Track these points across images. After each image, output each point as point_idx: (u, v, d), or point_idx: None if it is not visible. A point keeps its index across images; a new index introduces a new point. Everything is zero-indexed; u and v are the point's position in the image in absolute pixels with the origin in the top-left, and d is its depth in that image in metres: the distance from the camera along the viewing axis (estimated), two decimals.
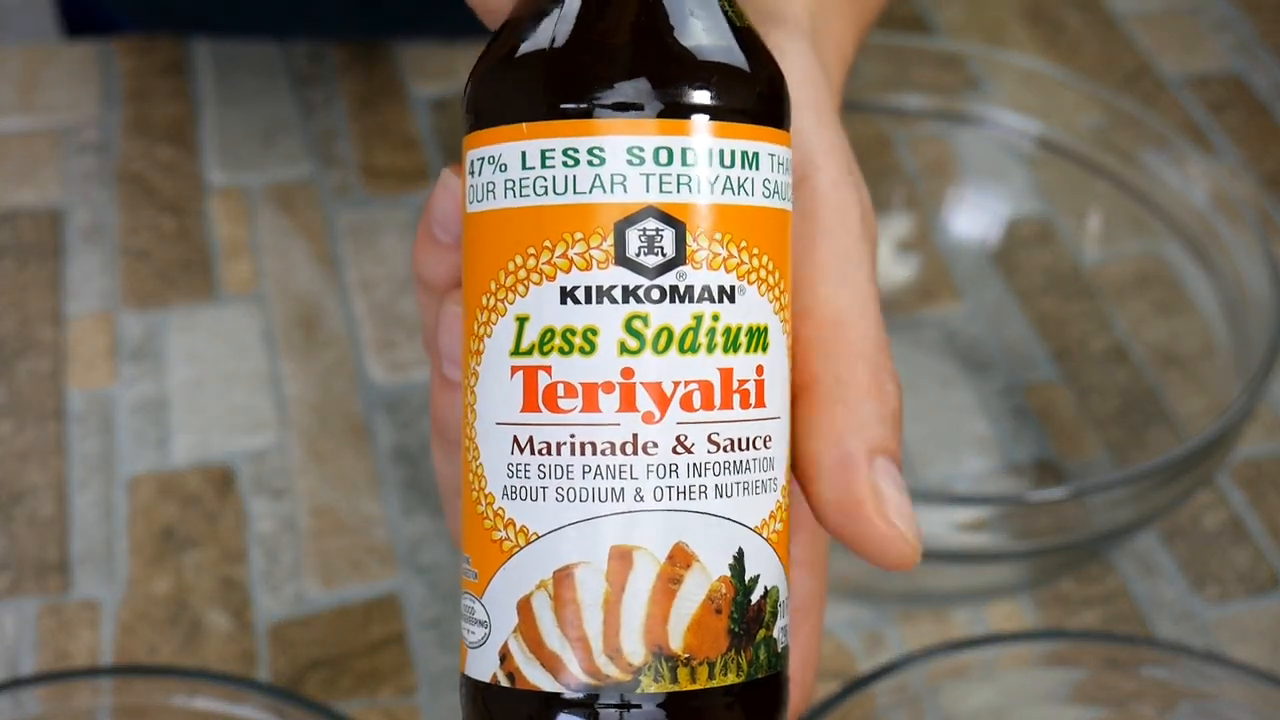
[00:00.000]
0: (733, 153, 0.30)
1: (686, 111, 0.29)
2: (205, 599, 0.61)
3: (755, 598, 0.30)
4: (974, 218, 0.72)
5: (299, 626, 0.60)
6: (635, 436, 0.29)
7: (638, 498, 0.29)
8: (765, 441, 0.31)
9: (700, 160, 0.29)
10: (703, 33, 0.30)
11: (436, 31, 0.83)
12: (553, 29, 0.29)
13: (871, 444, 0.33)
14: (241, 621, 0.60)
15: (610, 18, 0.29)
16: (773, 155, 0.31)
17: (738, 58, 0.30)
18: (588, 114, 0.29)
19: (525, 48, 0.30)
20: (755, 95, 0.31)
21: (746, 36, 0.31)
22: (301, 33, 0.83)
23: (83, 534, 0.63)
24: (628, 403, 0.29)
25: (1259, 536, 0.65)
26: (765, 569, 0.31)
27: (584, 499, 0.29)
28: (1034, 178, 0.71)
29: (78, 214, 0.74)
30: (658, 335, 0.29)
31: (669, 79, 0.29)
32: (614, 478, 0.29)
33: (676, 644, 0.29)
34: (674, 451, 0.29)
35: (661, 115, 0.29)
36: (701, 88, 0.29)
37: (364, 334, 0.70)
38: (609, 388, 0.29)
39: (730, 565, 0.29)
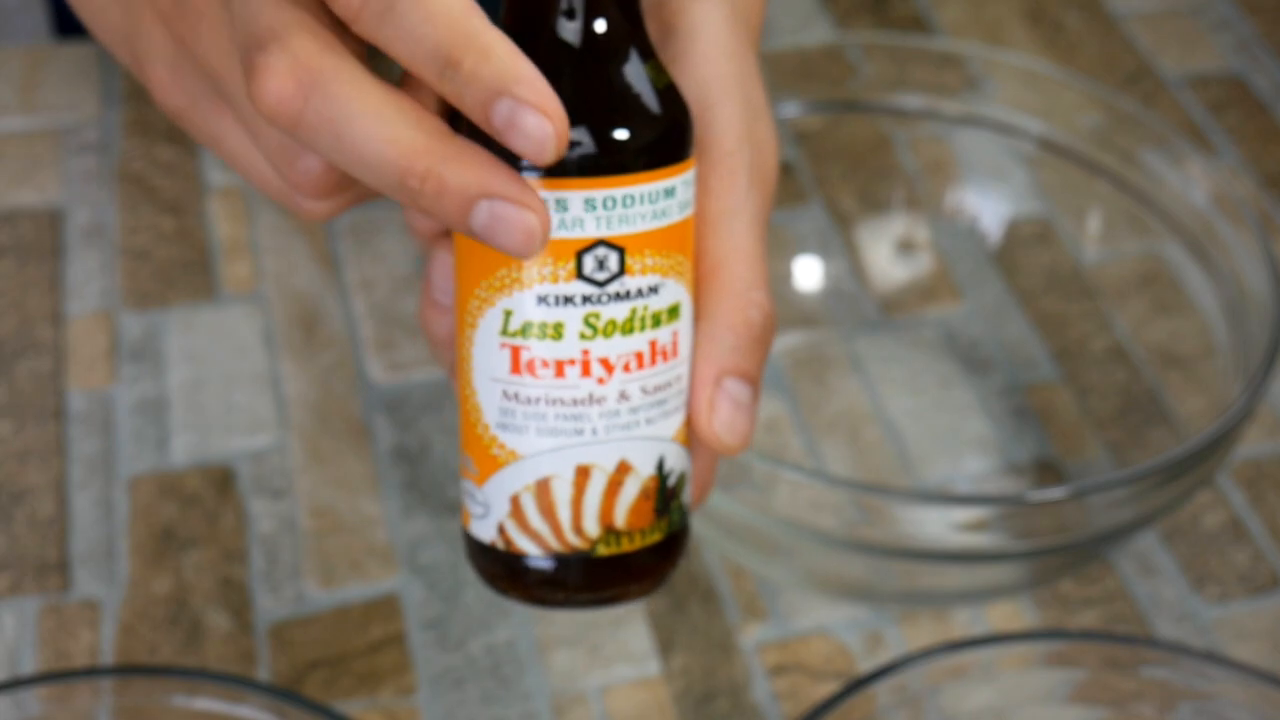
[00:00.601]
0: (656, 192, 0.40)
1: (624, 170, 0.40)
2: (205, 599, 0.61)
3: (671, 483, 0.43)
4: (974, 218, 0.72)
5: (299, 626, 0.60)
6: (591, 394, 0.41)
7: (593, 433, 0.41)
8: (678, 379, 0.43)
9: (635, 203, 0.40)
10: (635, 108, 0.40)
11: None
12: None
13: (722, 368, 0.42)
14: (241, 621, 0.60)
15: (567, 103, 0.38)
16: (684, 181, 0.41)
17: (660, 123, 0.40)
18: (555, 174, 0.39)
19: None
20: (673, 147, 0.41)
21: (665, 96, 0.41)
22: None
23: (83, 534, 0.63)
24: (586, 372, 0.41)
25: (1259, 537, 0.65)
26: (676, 461, 0.43)
27: (556, 434, 0.41)
28: (1034, 178, 0.71)
29: (78, 214, 0.75)
30: (607, 326, 0.41)
31: (613, 151, 0.39)
32: (576, 421, 0.41)
33: (620, 523, 0.42)
34: (618, 401, 0.41)
35: (607, 174, 0.40)
36: (636, 154, 0.40)
37: (364, 334, 0.70)
38: (573, 363, 0.41)
39: (655, 466, 0.43)
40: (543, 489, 0.42)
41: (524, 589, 0.43)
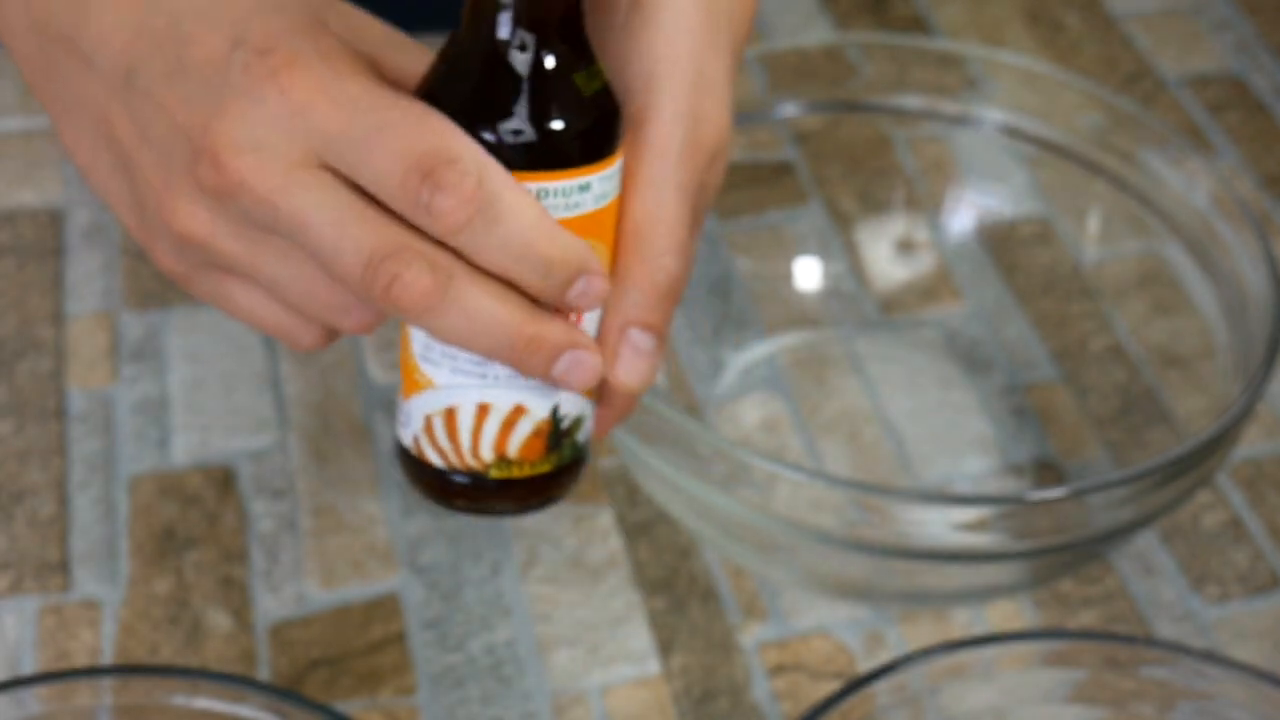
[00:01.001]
0: (570, 187, 0.44)
1: (542, 168, 0.44)
2: (206, 599, 0.61)
3: (564, 426, 0.48)
4: (974, 218, 0.72)
5: (299, 626, 0.60)
6: None
7: (495, 379, 0.46)
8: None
9: (549, 195, 0.44)
10: (552, 115, 0.44)
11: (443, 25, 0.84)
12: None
13: (626, 319, 0.46)
14: (242, 621, 0.60)
15: (497, 107, 0.44)
16: (600, 177, 0.45)
17: (575, 130, 0.44)
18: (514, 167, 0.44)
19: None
20: (588, 150, 0.44)
21: (589, 103, 0.44)
22: None
23: (83, 534, 0.63)
24: None
25: (1258, 536, 0.65)
26: (572, 407, 0.48)
27: (464, 374, 0.46)
28: (1034, 178, 0.71)
29: (78, 214, 0.75)
30: None
31: (528, 152, 0.44)
32: (481, 366, 0.46)
33: (512, 454, 0.48)
34: None
35: (526, 170, 0.44)
36: (548, 155, 0.44)
37: None
38: None
39: (550, 411, 0.47)
40: (449, 416, 0.48)
41: (429, 491, 0.50)
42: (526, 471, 0.49)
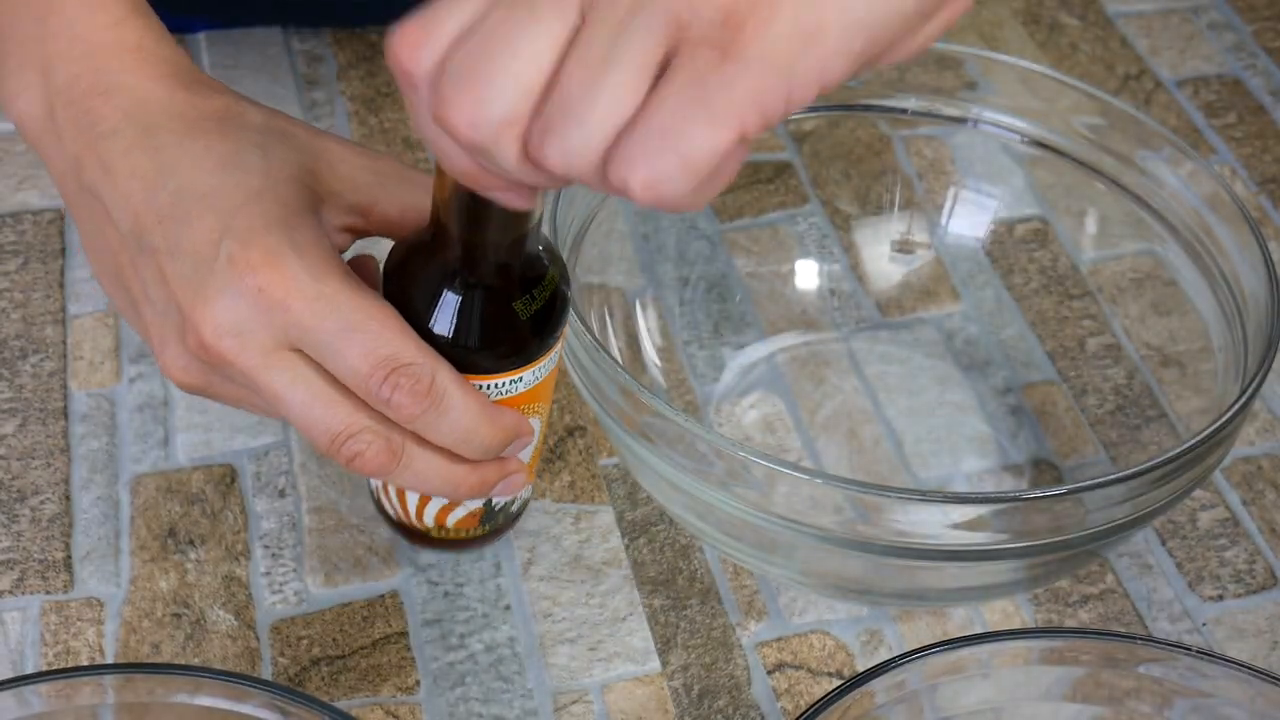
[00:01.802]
0: (505, 382, 0.53)
1: (487, 372, 0.52)
2: (208, 597, 0.61)
3: (495, 508, 0.60)
4: (972, 218, 0.72)
5: (301, 624, 0.61)
6: None
7: None
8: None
9: (493, 388, 0.53)
10: (503, 337, 0.52)
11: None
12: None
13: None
14: (244, 619, 0.61)
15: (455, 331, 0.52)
16: (547, 361, 0.54)
17: (527, 343, 0.53)
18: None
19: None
20: (535, 354, 0.53)
21: (535, 319, 0.52)
22: (303, 19, 0.84)
23: (86, 532, 0.63)
24: None
25: (1255, 535, 0.65)
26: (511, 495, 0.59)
27: None
28: (1031, 178, 0.72)
29: None
30: None
31: (475, 364, 0.52)
32: None
33: (450, 525, 0.60)
34: None
35: (477, 374, 0.52)
36: (509, 364, 0.53)
37: None
38: None
39: (484, 503, 0.59)
40: (399, 491, 0.59)
41: (388, 523, 0.62)
42: (463, 536, 0.61)
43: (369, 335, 0.48)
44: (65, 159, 0.52)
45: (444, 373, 0.49)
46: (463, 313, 0.51)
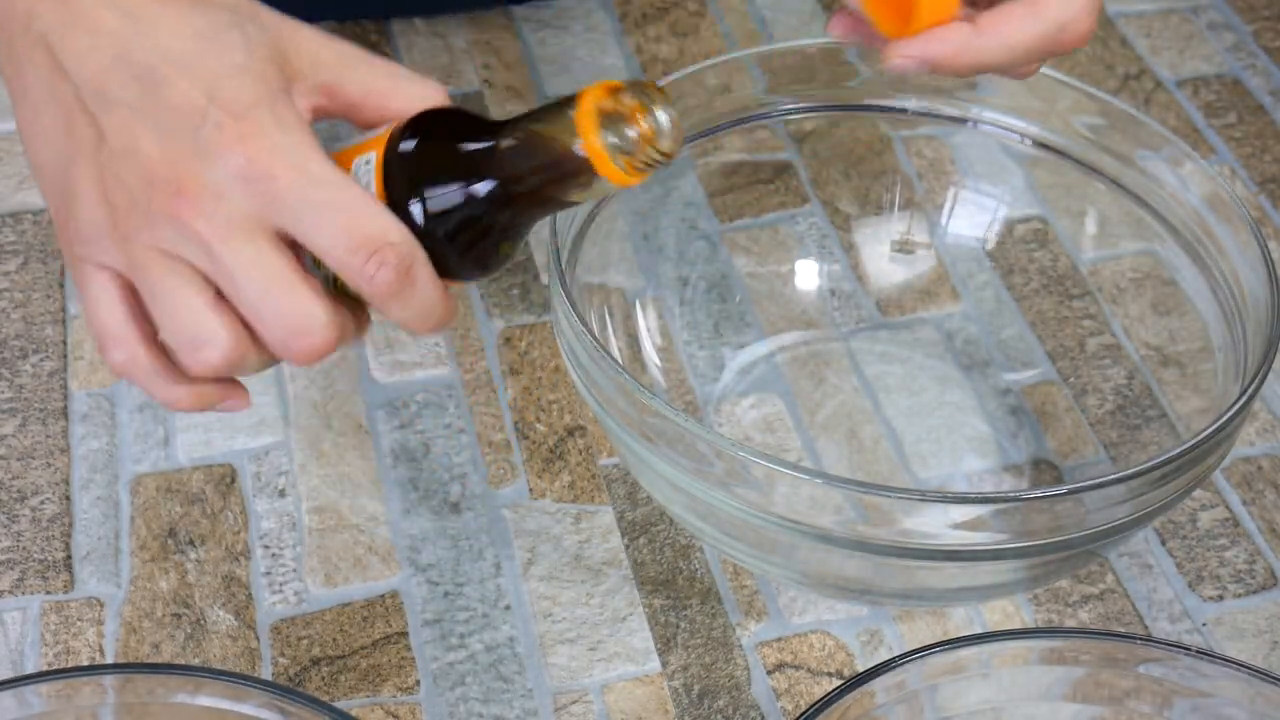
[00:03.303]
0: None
1: (466, 280, 0.53)
2: (208, 597, 0.61)
3: None
4: (972, 218, 0.72)
5: (301, 624, 0.61)
6: None
7: None
8: None
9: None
10: (481, 265, 0.52)
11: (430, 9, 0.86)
12: None
13: None
14: (244, 619, 0.61)
15: None
16: None
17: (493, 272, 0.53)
18: None
19: None
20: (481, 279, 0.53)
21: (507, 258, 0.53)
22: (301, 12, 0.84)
23: (86, 532, 0.63)
24: None
25: (1255, 535, 0.65)
26: None
27: None
28: (1032, 178, 0.72)
29: None
30: None
31: (463, 273, 0.52)
32: None
33: None
34: None
35: (454, 279, 0.52)
36: (474, 278, 0.53)
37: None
38: None
39: None
40: None
41: None
42: None
43: (354, 213, 0.49)
44: (10, 6, 0.51)
45: (420, 256, 0.50)
46: (460, 225, 0.51)
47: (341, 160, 0.51)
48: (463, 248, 0.51)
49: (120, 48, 0.50)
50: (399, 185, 0.50)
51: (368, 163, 0.51)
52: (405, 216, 0.50)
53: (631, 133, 0.48)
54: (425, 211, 0.50)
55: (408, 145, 0.50)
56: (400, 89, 0.52)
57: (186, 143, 0.49)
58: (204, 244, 0.48)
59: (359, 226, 0.49)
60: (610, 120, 0.48)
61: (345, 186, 0.49)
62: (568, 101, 0.48)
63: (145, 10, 0.50)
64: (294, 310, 0.49)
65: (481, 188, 0.50)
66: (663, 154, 0.48)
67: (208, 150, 0.48)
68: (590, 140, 0.47)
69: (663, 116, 0.48)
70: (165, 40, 0.50)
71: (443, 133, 0.51)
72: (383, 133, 0.51)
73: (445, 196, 0.50)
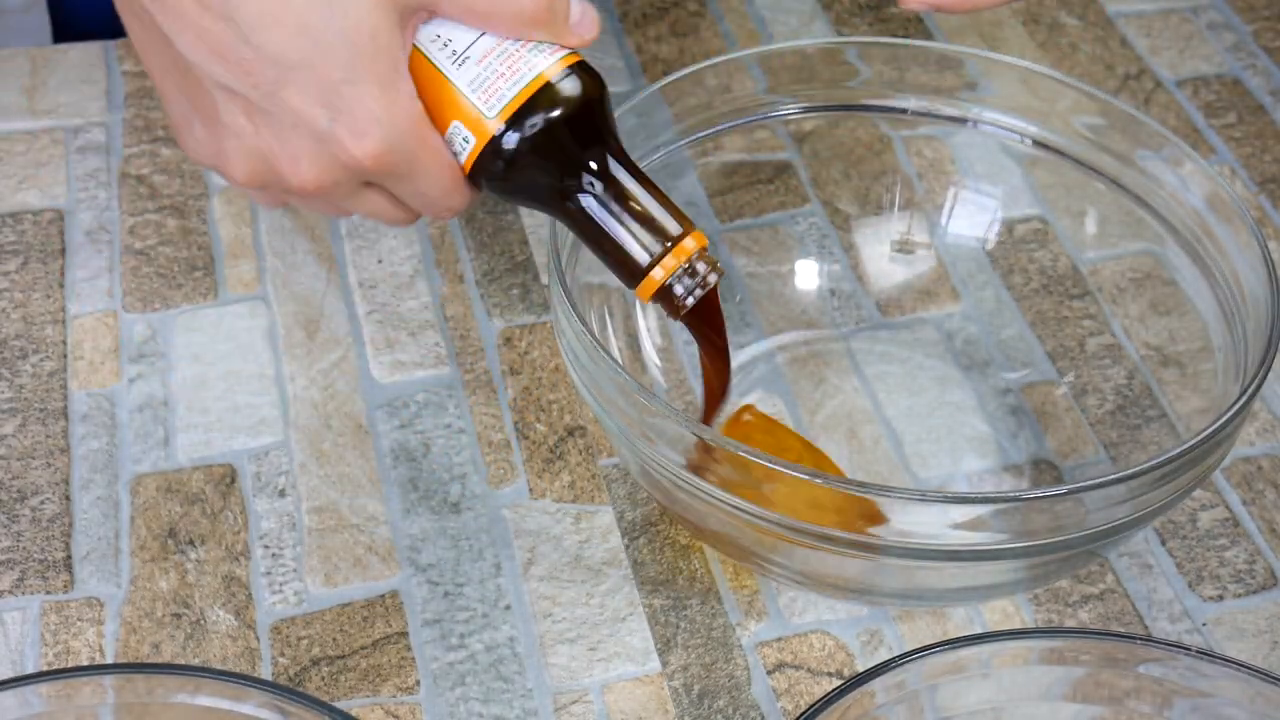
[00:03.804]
0: None
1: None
2: (208, 597, 0.61)
3: None
4: (972, 218, 0.72)
5: (301, 624, 0.61)
6: None
7: None
8: None
9: None
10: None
11: None
12: None
13: None
14: (244, 619, 0.61)
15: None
16: None
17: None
18: None
19: None
20: None
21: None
22: None
23: (86, 532, 0.63)
24: None
25: (1255, 535, 0.65)
26: None
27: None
28: (1031, 178, 0.72)
29: (81, 214, 0.75)
30: None
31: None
32: None
33: None
34: None
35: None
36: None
37: (365, 334, 0.71)
38: None
39: None
40: None
41: None
42: None
43: (440, 192, 0.58)
44: None
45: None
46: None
47: (425, 75, 0.55)
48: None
49: (220, 37, 0.54)
50: (486, 184, 0.57)
51: (465, 140, 0.56)
52: (478, 185, 0.58)
53: (679, 291, 0.56)
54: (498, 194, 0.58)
55: (508, 147, 0.56)
56: None
57: (296, 141, 0.56)
58: (324, 207, 0.60)
59: (440, 204, 0.58)
60: (683, 273, 0.56)
61: (440, 168, 0.57)
62: (675, 229, 0.56)
63: None
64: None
65: (553, 214, 0.57)
66: (677, 314, 0.57)
67: (322, 144, 0.57)
68: (661, 276, 0.56)
69: (700, 294, 0.57)
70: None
71: (545, 148, 0.56)
72: (480, 115, 0.56)
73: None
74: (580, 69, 0.56)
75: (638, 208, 0.56)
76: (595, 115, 0.56)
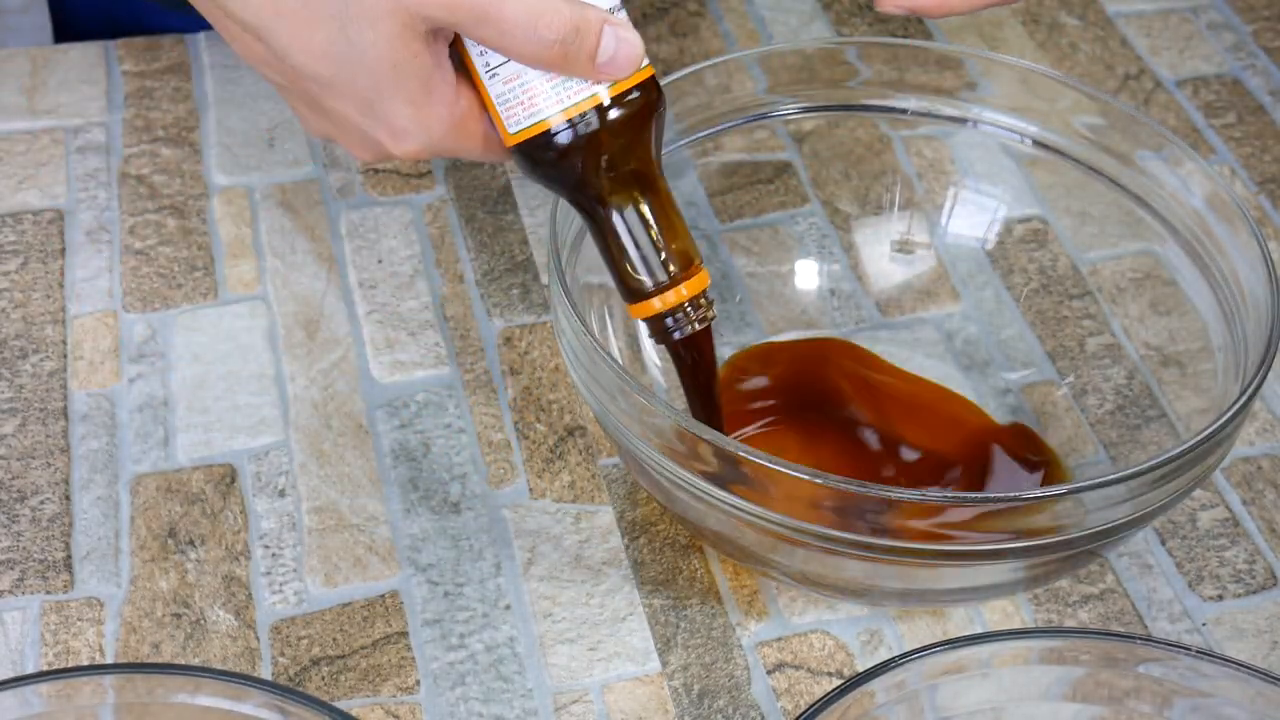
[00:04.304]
0: None
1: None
2: (208, 597, 0.61)
3: None
4: (972, 218, 0.72)
5: (301, 624, 0.61)
6: None
7: None
8: None
9: None
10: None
11: None
12: None
13: None
14: (244, 619, 0.61)
15: None
16: None
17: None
18: None
19: None
20: None
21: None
22: None
23: (86, 532, 0.63)
24: None
25: (1255, 535, 0.65)
26: None
27: None
28: (1031, 178, 0.72)
29: (81, 214, 0.75)
30: None
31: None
32: None
33: None
34: None
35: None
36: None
37: (365, 334, 0.71)
38: None
39: None
40: None
41: None
42: None
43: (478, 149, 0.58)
44: None
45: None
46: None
47: (470, 67, 0.56)
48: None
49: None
50: (523, 164, 0.57)
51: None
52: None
53: (670, 323, 0.58)
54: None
55: (523, 165, 0.57)
56: None
57: (351, 136, 0.59)
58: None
59: (478, 153, 0.58)
60: (681, 309, 0.58)
61: (486, 153, 0.58)
62: (676, 268, 0.57)
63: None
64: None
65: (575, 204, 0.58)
66: (658, 338, 0.59)
67: (368, 139, 0.59)
68: (661, 309, 0.58)
69: (690, 329, 0.58)
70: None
71: (555, 176, 0.57)
72: (503, 128, 0.57)
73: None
74: (618, 102, 0.56)
75: (639, 239, 0.57)
76: (611, 150, 0.56)
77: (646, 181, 0.57)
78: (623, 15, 0.57)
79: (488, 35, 0.54)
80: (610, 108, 0.56)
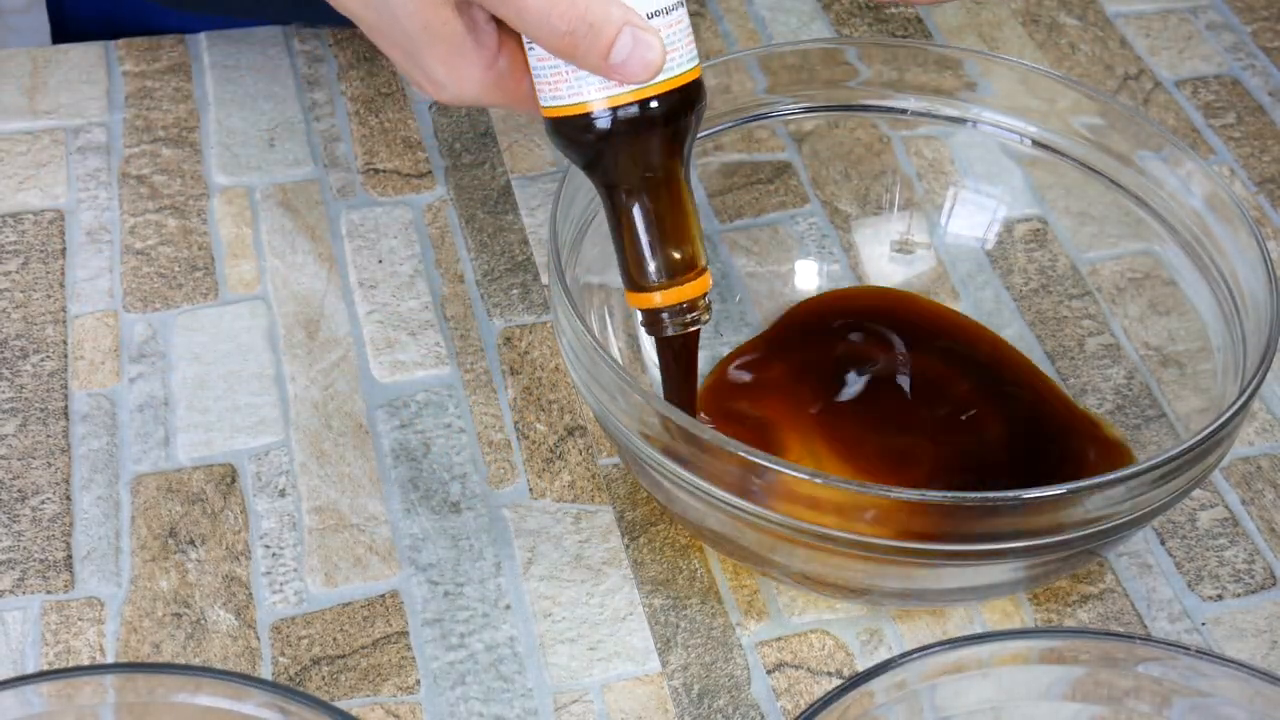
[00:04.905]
0: None
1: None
2: (208, 597, 0.61)
3: None
4: (971, 218, 0.72)
5: (301, 624, 0.61)
6: None
7: None
8: None
9: None
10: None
11: None
12: None
13: None
14: (244, 619, 0.61)
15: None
16: None
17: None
18: None
19: None
20: None
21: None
22: (304, 16, 0.84)
23: (87, 532, 0.63)
24: None
25: (1255, 535, 0.65)
26: None
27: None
28: (1031, 178, 0.72)
29: (82, 214, 0.75)
30: None
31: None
32: None
33: None
34: None
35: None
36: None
37: (366, 334, 0.71)
38: None
39: None
40: None
41: None
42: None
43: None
44: None
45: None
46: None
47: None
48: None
49: None
50: (561, 141, 0.57)
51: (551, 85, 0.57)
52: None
53: (666, 318, 0.58)
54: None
55: (550, 137, 0.57)
56: None
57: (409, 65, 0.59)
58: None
59: (523, 109, 0.59)
60: (678, 308, 0.58)
61: (523, 107, 0.59)
62: (682, 269, 0.57)
63: None
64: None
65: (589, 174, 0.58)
66: (650, 330, 0.59)
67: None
68: (659, 304, 0.58)
69: (683, 328, 0.58)
70: None
71: (576, 156, 0.57)
72: (538, 95, 0.57)
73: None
74: (631, 105, 0.55)
75: (650, 235, 0.57)
76: (623, 151, 0.56)
77: (662, 182, 0.57)
78: (673, 18, 0.55)
79: (508, 14, 0.55)
80: (626, 108, 0.55)
